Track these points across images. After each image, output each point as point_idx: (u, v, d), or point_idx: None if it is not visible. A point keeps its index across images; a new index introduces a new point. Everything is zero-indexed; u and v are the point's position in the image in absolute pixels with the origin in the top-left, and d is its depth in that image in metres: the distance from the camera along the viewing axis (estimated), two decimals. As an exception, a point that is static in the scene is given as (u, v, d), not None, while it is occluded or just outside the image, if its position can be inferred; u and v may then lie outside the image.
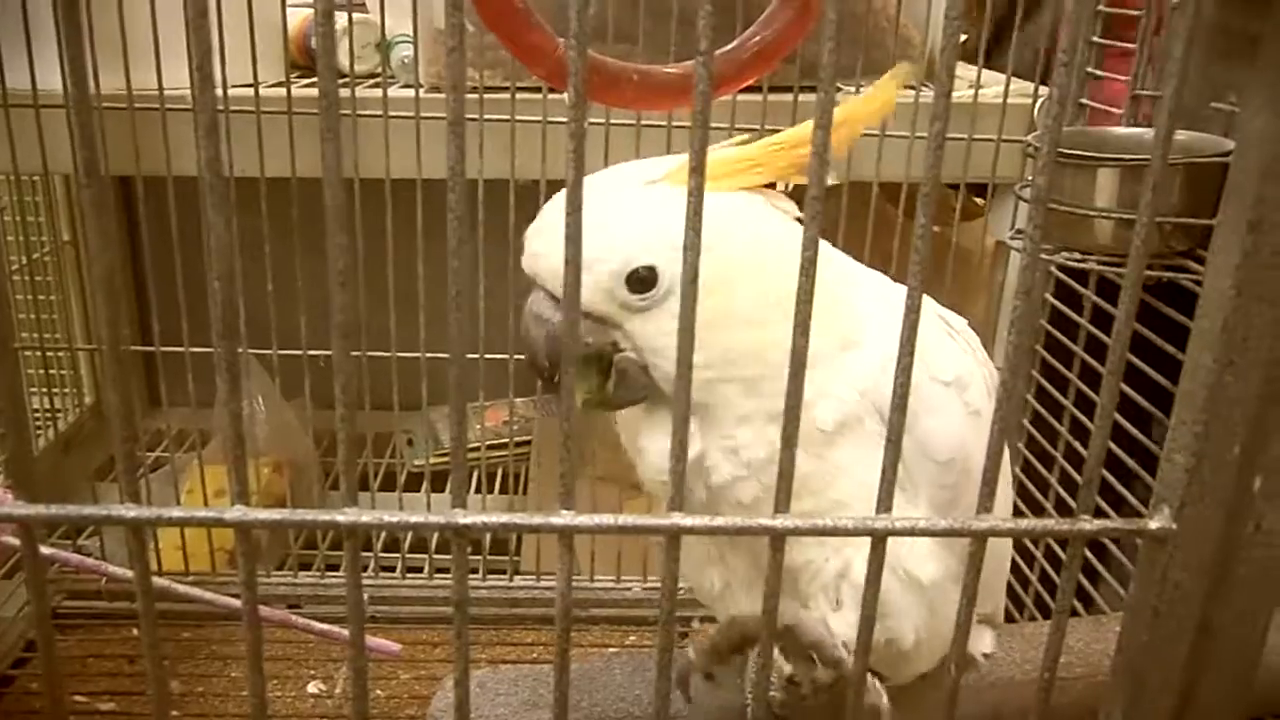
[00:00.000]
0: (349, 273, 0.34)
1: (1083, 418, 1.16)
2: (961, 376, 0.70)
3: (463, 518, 0.36)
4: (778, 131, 0.70)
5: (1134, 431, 1.04)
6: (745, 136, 0.70)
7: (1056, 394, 1.21)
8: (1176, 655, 0.37)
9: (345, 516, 0.36)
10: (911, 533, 0.36)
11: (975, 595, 0.37)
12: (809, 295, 0.33)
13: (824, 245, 0.72)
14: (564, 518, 0.36)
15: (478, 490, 1.73)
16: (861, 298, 0.72)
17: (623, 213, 0.65)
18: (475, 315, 1.33)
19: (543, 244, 0.66)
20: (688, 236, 0.33)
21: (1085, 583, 1.18)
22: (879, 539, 0.36)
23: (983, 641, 0.77)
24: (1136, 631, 0.36)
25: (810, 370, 0.67)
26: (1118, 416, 1.10)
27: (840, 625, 0.67)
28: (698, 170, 0.32)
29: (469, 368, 1.37)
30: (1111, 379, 0.34)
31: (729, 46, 0.73)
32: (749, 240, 0.66)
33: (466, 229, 0.34)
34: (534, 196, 1.32)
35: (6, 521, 0.33)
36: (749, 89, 1.04)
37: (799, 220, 0.71)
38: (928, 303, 0.76)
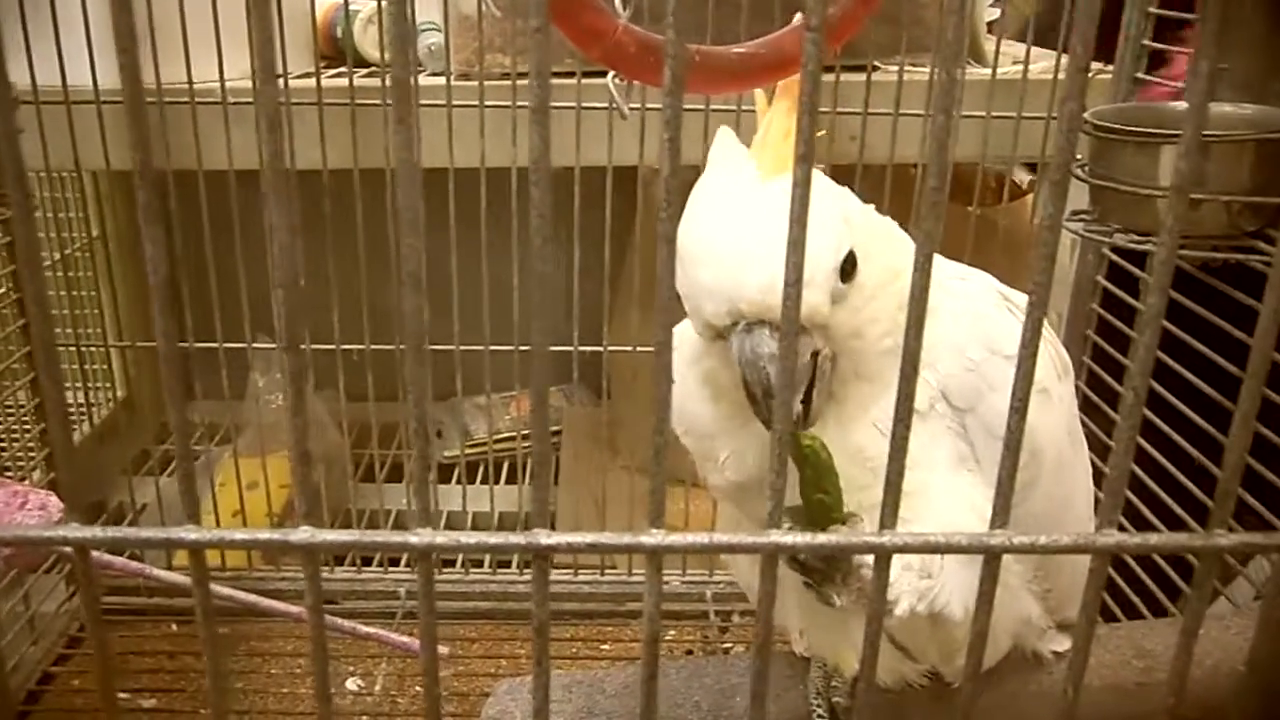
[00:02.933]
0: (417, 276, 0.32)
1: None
2: None
3: (545, 538, 0.34)
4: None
5: (1198, 420, 1.00)
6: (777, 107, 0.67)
7: (1110, 380, 1.18)
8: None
9: (419, 538, 0.34)
10: (1031, 549, 0.33)
11: (1095, 616, 0.34)
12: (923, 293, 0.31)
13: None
14: (654, 537, 0.33)
15: (510, 480, 1.72)
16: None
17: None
18: (509, 306, 1.31)
19: (760, 274, 0.57)
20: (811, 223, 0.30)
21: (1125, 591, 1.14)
22: (993, 556, 0.33)
23: (1059, 642, 0.75)
24: (1270, 647, 0.33)
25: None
26: (1180, 406, 1.07)
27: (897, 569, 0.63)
28: (806, 158, 0.29)
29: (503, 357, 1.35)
30: (1254, 382, 0.31)
31: (790, 28, 0.69)
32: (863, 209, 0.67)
33: (549, 226, 0.31)
34: (567, 184, 1.30)
35: (64, 545, 0.31)
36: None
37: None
38: (988, 280, 0.73)
